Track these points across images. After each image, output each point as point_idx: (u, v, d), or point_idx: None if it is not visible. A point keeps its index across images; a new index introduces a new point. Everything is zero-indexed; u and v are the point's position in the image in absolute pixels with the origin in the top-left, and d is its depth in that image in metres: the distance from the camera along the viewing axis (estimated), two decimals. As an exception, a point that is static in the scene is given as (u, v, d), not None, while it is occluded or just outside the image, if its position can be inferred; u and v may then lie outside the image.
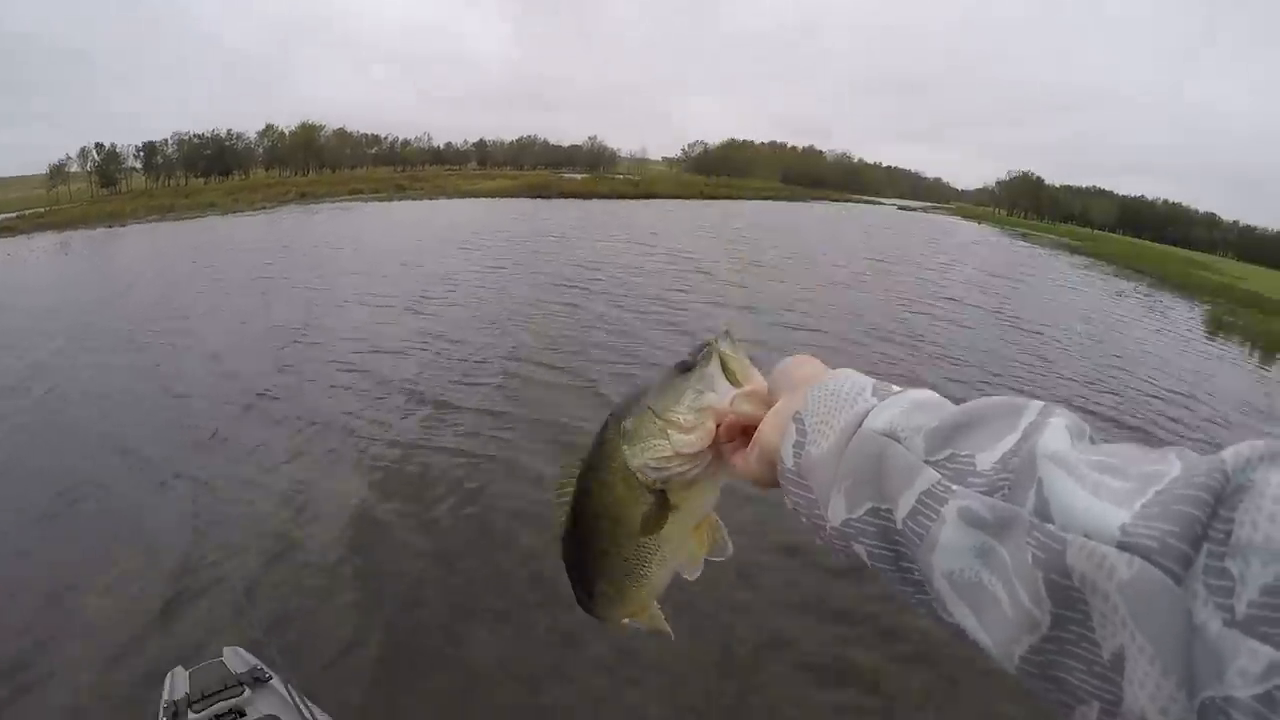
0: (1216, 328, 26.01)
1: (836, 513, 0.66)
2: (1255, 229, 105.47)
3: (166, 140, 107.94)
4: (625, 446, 0.84)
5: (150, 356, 13.10)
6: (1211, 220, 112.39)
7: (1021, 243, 57.38)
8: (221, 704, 3.21)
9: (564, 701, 4.72)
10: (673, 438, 0.81)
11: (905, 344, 16.90)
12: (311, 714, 3.01)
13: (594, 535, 0.90)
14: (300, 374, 11.70)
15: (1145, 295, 33.46)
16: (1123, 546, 0.44)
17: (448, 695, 4.79)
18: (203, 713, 3.15)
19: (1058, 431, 0.54)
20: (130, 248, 32.36)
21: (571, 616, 4.21)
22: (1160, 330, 24.58)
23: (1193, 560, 0.42)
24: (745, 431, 0.80)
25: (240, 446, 8.89)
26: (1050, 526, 0.48)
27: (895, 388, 0.70)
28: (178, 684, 3.40)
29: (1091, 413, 12.99)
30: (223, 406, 10.26)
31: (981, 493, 0.54)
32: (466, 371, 11.67)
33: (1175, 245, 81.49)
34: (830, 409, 0.68)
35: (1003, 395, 0.62)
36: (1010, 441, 0.55)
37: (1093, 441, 0.55)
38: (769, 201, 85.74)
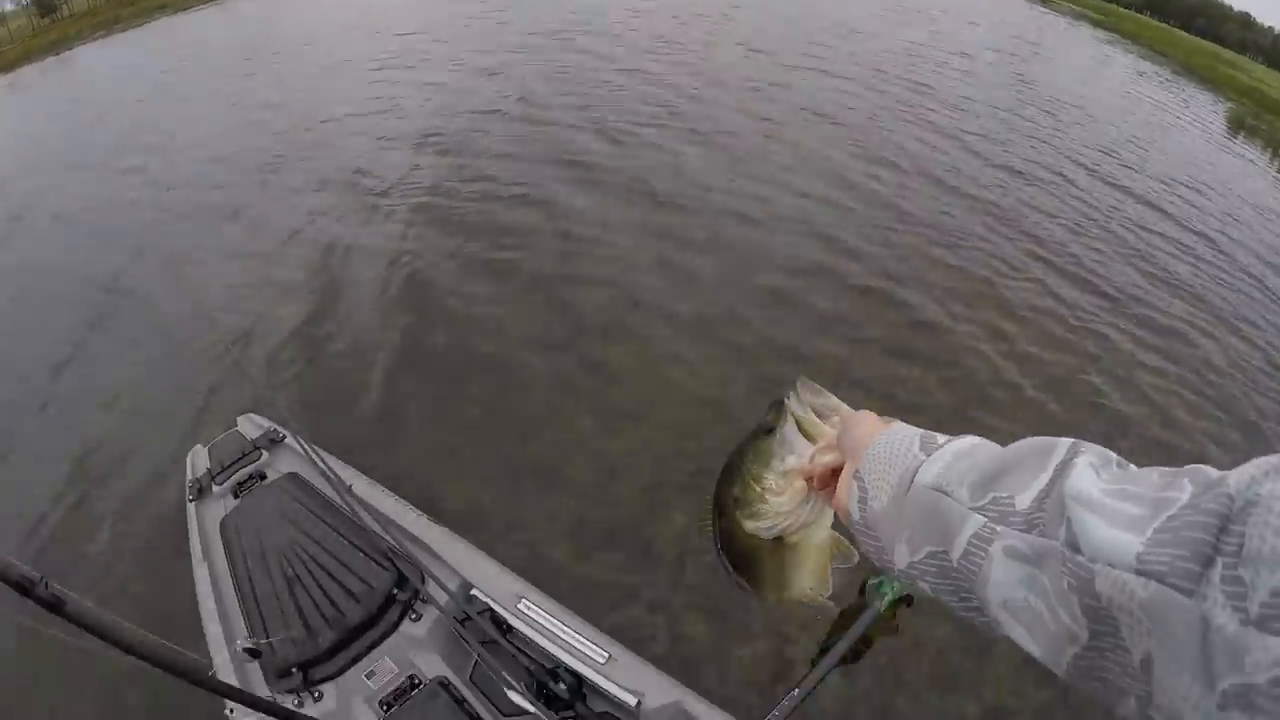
0: (1239, 128, 23.13)
1: (901, 557, 0.77)
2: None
3: None
4: (738, 512, 0.99)
5: (151, 162, 12.30)
6: (1246, 20, 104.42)
7: (1041, 8, 51.49)
8: (242, 470, 3.55)
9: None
10: (770, 501, 0.95)
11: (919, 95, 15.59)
12: (325, 463, 3.19)
13: (737, 561, 1.05)
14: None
15: (1168, 80, 29.81)
16: (1139, 572, 0.52)
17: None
18: (225, 483, 3.51)
19: (1083, 471, 0.62)
20: (79, 73, 26.72)
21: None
22: (1180, 120, 21.55)
23: (1203, 575, 0.49)
24: (835, 473, 0.90)
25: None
26: (1080, 558, 0.57)
27: (940, 438, 0.79)
28: (198, 461, 3.75)
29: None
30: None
31: (1021, 530, 0.64)
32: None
33: (1204, 38, 75.28)
34: (884, 466, 0.79)
35: (1034, 434, 0.70)
36: (1044, 480, 0.64)
37: (1120, 466, 0.63)
38: None
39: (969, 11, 34.13)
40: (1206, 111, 24.68)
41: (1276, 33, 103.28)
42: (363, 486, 3.41)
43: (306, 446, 3.30)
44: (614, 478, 4.94)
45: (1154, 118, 20.19)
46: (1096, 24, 48.26)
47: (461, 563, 3.13)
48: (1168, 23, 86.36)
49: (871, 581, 3.65)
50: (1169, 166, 14.78)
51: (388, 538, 3.09)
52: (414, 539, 3.22)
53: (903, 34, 23.29)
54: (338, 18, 25.08)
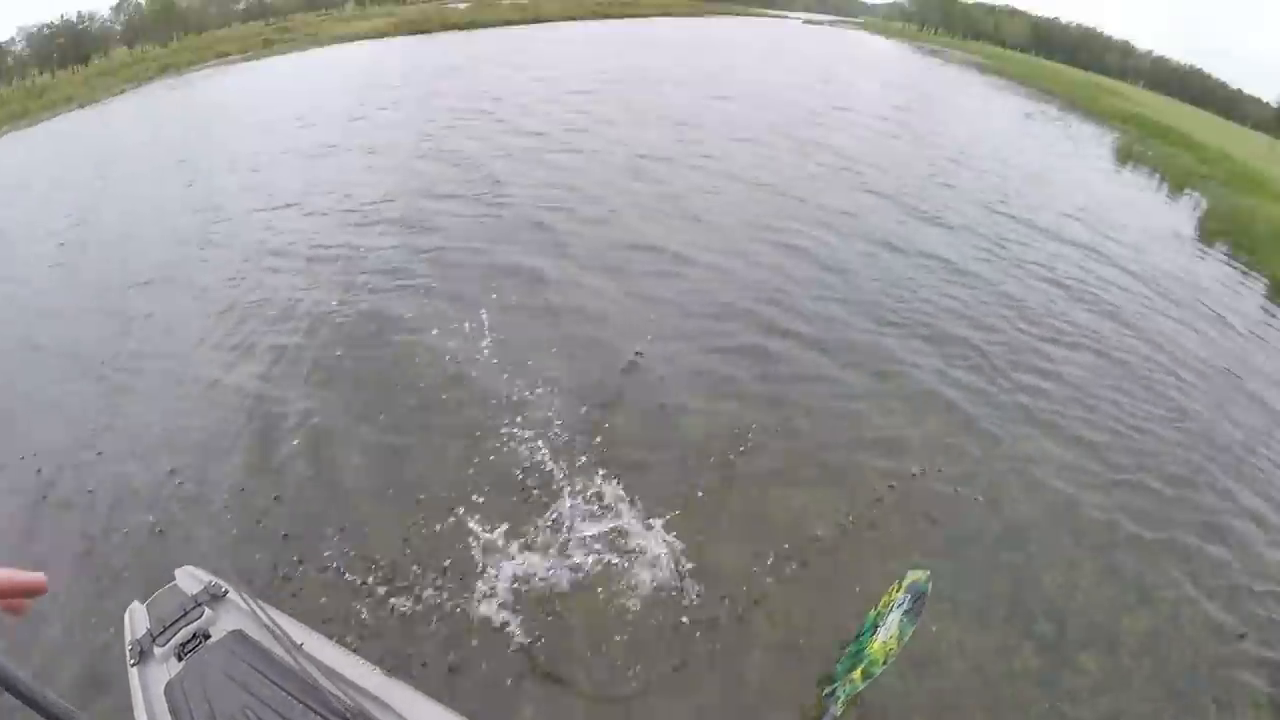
0: (1127, 157, 25.58)
1: None
2: (1169, 61, 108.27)
3: (13, 38, 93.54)
4: None
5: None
6: (1125, 48, 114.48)
7: (934, 60, 55.93)
8: (185, 630, 3.37)
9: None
10: None
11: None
12: (272, 619, 3.15)
13: None
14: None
15: (1055, 118, 32.96)
16: None
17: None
18: (167, 645, 3.31)
19: None
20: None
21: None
22: (1071, 155, 23.92)
23: None
24: None
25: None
26: None
27: None
28: (137, 621, 3.53)
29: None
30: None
31: None
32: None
33: (1087, 70, 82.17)
34: None
35: None
36: None
37: None
38: (669, 18, 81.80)
39: (868, 67, 37.24)
40: (1093, 145, 27.34)
41: (1154, 56, 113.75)
42: (314, 643, 3.43)
43: (251, 602, 3.33)
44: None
45: (1044, 160, 22.20)
46: (985, 69, 52.75)
47: (422, 718, 3.18)
48: (1053, 58, 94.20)
49: (826, 691, 4.29)
50: (1059, 209, 16.38)
51: (343, 697, 3.10)
52: (371, 696, 3.24)
53: (805, 100, 25.34)
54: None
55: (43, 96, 41.95)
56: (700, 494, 5.97)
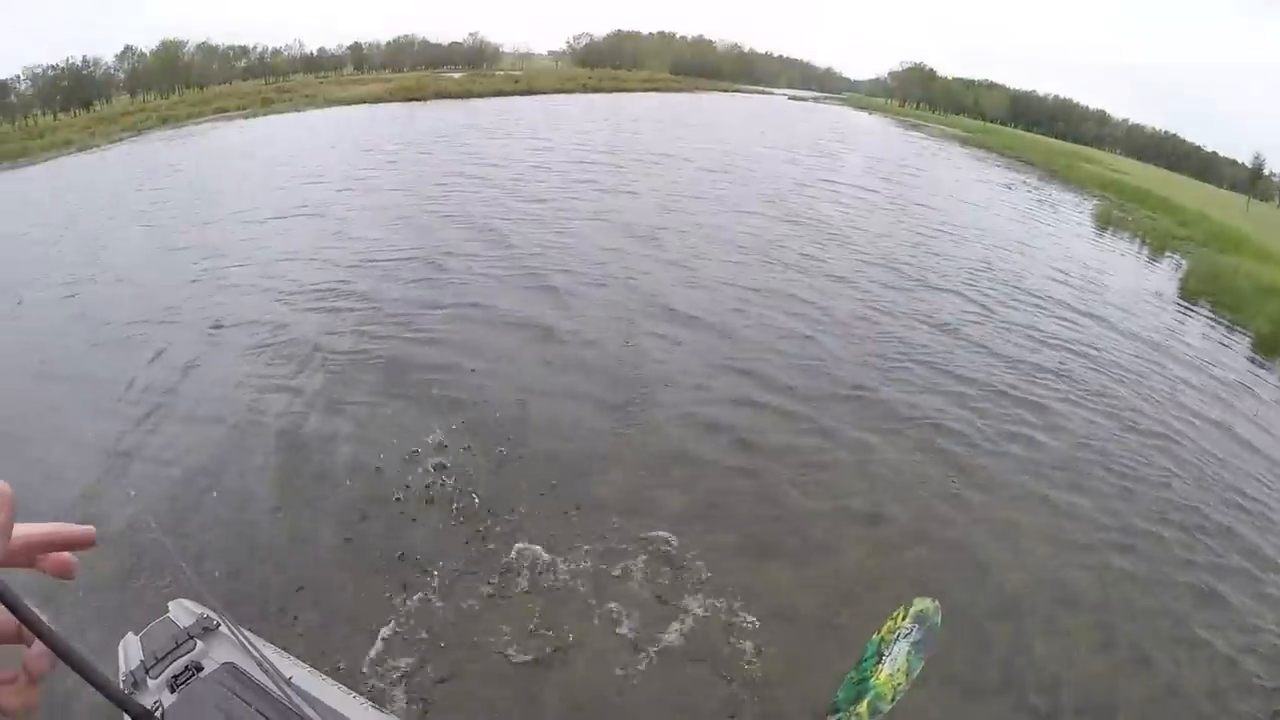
0: (1107, 222, 26.09)
1: None
2: (1144, 127, 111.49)
3: (18, 76, 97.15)
4: None
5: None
6: (1101, 116, 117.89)
7: (916, 134, 57.50)
8: (177, 662, 3.41)
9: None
10: None
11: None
12: (262, 653, 3.19)
13: None
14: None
15: (1035, 187, 33.77)
16: None
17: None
18: (160, 676, 3.35)
19: None
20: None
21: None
22: (1052, 222, 24.41)
23: None
24: None
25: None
26: None
27: None
28: (131, 652, 3.59)
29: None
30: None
31: None
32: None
33: (1065, 139, 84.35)
34: None
35: None
36: None
37: None
38: (657, 93, 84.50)
39: (852, 141, 38.29)
40: (1073, 212, 27.92)
41: (1130, 123, 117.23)
42: (303, 676, 3.47)
43: (242, 635, 3.34)
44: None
45: (1026, 228, 22.63)
46: (965, 141, 54.24)
47: None
48: (1032, 129, 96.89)
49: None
50: (1042, 274, 16.62)
51: None
52: None
53: (792, 172, 25.95)
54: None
55: (43, 138, 42.85)
56: (683, 562, 5.88)
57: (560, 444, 7.58)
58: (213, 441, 7.63)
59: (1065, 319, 13.31)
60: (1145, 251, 22.46)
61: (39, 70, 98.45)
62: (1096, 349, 12.01)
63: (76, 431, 7.97)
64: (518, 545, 5.95)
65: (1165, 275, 19.50)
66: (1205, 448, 9.20)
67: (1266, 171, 76.17)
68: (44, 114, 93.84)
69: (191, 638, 3.57)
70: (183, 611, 3.86)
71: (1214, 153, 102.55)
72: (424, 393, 8.47)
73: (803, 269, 14.16)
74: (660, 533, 6.18)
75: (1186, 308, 16.27)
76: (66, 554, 0.66)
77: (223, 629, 3.64)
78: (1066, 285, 15.68)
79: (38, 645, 0.61)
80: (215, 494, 6.76)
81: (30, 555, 0.62)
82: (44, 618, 0.57)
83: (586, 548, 5.93)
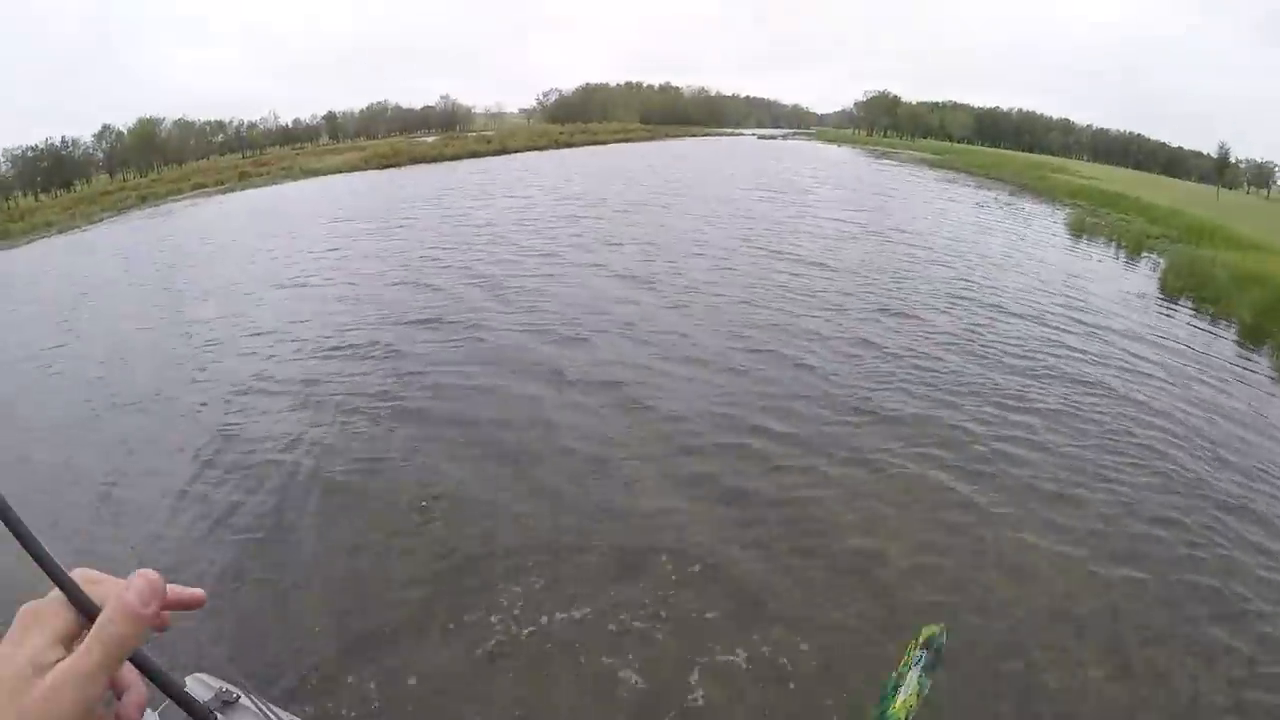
0: (1081, 230, 26.29)
1: None
2: (1108, 131, 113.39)
3: None
4: None
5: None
6: (1066, 125, 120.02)
7: (886, 162, 58.33)
8: None
9: None
10: None
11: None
12: None
13: None
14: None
15: (1007, 202, 34.10)
16: None
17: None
18: None
19: None
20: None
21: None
22: (1026, 235, 24.60)
23: None
24: None
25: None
26: None
27: None
28: None
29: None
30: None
31: None
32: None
33: (1031, 151, 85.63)
34: None
35: None
36: None
37: None
38: (629, 144, 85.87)
39: (824, 175, 38.79)
40: (1047, 223, 28.18)
41: (1094, 128, 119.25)
42: None
43: (265, 708, 3.13)
44: None
45: (1002, 243, 22.82)
46: (935, 164, 55.01)
47: None
48: (999, 145, 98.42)
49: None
50: (1022, 288, 16.68)
51: None
52: None
53: (768, 211, 26.15)
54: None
55: (24, 220, 43.34)
56: (680, 614, 5.74)
57: (546, 498, 7.50)
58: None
59: (1050, 330, 13.27)
60: (1122, 254, 22.60)
61: (18, 152, 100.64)
62: (1084, 358, 11.93)
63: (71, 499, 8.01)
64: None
65: (1144, 275, 19.59)
66: (1205, 446, 9.07)
67: (1233, 159, 77.58)
68: (25, 195, 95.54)
69: (211, 712, 3.41)
70: (200, 686, 3.55)
71: (1179, 148, 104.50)
72: (412, 457, 8.40)
73: (782, 306, 14.17)
74: (651, 592, 6.05)
75: (1169, 305, 16.30)
76: (167, 612, 0.68)
77: (244, 701, 3.37)
78: (1047, 295, 15.71)
79: (130, 694, 0.68)
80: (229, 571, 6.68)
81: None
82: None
83: (571, 614, 5.78)
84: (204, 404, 10.57)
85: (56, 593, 0.63)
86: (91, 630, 0.61)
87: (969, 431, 9.03)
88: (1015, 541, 6.91)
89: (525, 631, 5.58)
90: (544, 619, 5.70)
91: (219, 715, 3.13)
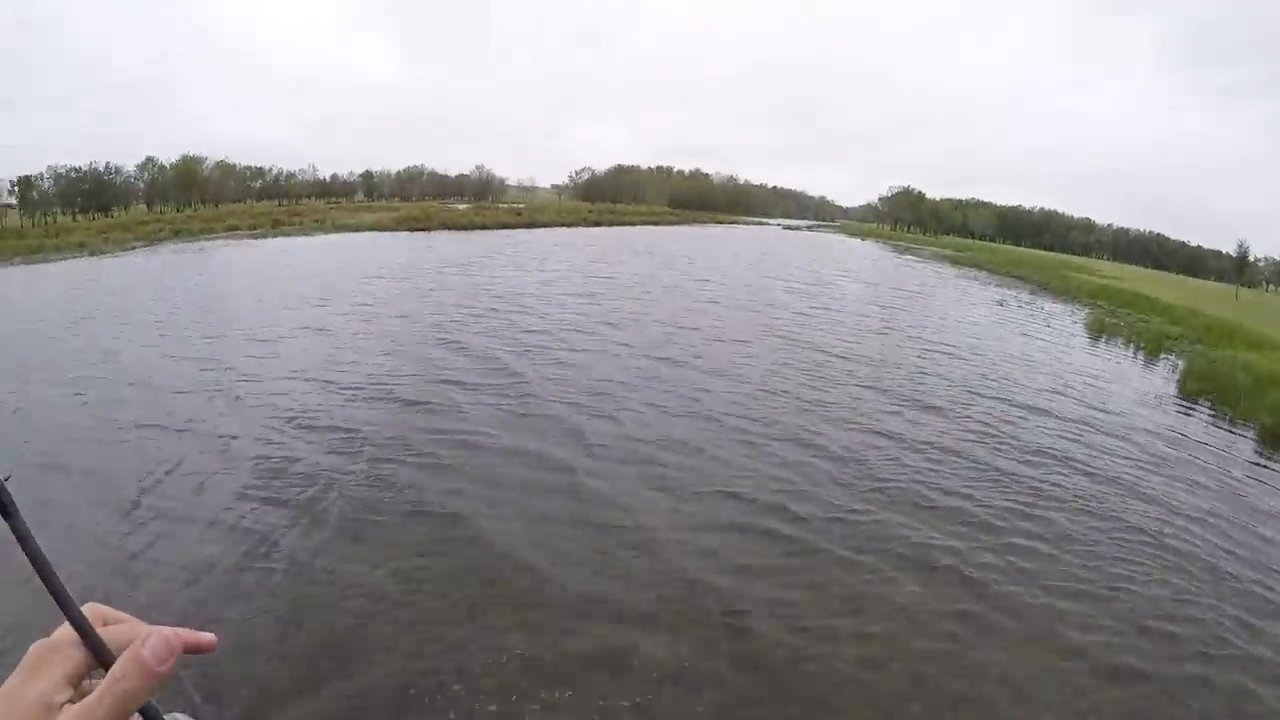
0: (1100, 329, 26.62)
1: None
2: (1129, 230, 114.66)
3: (42, 174, 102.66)
4: None
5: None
6: (1087, 224, 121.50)
7: (908, 257, 59.18)
8: None
9: None
10: None
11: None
12: None
13: None
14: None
15: (1027, 302, 34.56)
16: None
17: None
18: None
19: None
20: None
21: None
22: (1046, 334, 24.96)
23: None
24: None
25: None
26: None
27: None
28: None
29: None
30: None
31: None
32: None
33: (1052, 250, 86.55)
34: None
35: None
36: None
37: None
38: (655, 226, 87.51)
39: (848, 268, 39.49)
40: (1066, 322, 28.66)
41: (1115, 228, 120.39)
42: None
43: None
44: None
45: (1021, 342, 23.24)
46: (957, 261, 55.79)
47: None
48: (1020, 243, 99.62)
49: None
50: (1040, 387, 16.96)
51: None
52: None
53: (791, 301, 26.75)
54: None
55: (58, 237, 44.31)
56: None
57: (535, 585, 7.31)
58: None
59: (1067, 432, 13.40)
60: (1141, 355, 22.87)
61: (62, 170, 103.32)
62: (1101, 462, 12.00)
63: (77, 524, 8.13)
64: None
65: (1163, 376, 19.81)
66: (1221, 555, 9.01)
67: (1252, 258, 77.76)
68: (63, 213, 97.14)
69: None
70: None
71: (1199, 247, 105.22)
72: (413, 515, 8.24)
73: (799, 396, 14.38)
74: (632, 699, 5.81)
75: (1188, 407, 16.44)
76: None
77: None
78: (1065, 397, 15.97)
79: None
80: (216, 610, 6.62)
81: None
82: None
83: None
84: (235, 435, 10.84)
85: (68, 629, 0.64)
86: (104, 682, 0.62)
87: (973, 538, 8.88)
88: (1021, 660, 6.59)
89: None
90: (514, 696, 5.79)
91: None
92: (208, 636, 0.72)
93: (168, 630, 0.66)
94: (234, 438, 10.71)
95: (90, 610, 0.66)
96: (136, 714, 0.63)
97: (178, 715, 2.49)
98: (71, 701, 0.61)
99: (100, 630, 0.65)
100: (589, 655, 6.19)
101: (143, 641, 0.64)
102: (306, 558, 7.53)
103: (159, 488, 9.10)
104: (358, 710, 5.48)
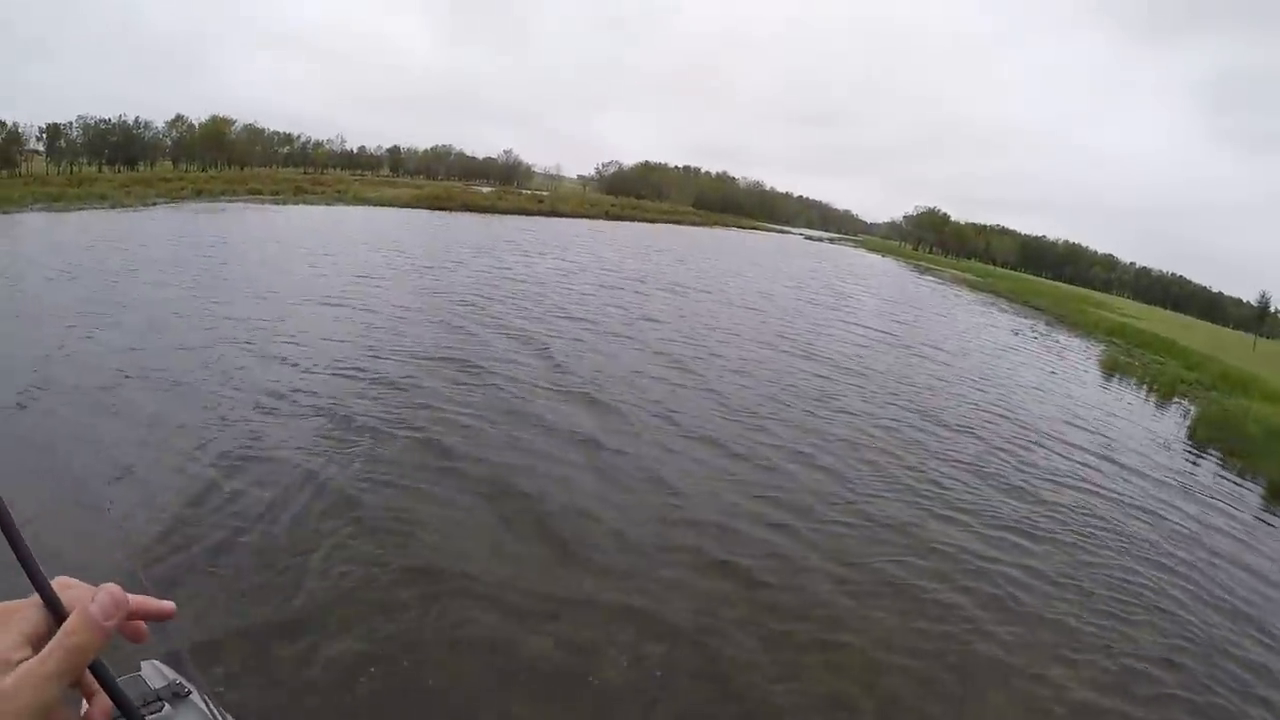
0: (1114, 368, 26.37)
1: None
2: (1151, 270, 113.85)
3: (71, 123, 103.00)
4: None
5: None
6: (1109, 260, 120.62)
7: (928, 278, 58.88)
8: None
9: None
10: None
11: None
12: None
13: None
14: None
15: (1043, 334, 34.33)
16: None
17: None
18: None
19: None
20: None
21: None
22: (1059, 368, 24.75)
23: None
24: None
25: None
26: None
27: None
28: None
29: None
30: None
31: None
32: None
33: (1073, 283, 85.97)
34: None
35: None
36: None
37: None
38: (678, 225, 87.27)
39: (868, 284, 39.31)
40: (1081, 358, 28.34)
41: (1137, 266, 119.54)
42: None
43: (213, 708, 3.32)
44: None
45: (1034, 375, 22.99)
46: (976, 286, 55.44)
47: None
48: (1041, 274, 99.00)
49: None
50: (1049, 421, 16.79)
51: None
52: None
53: (810, 312, 26.60)
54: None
55: (81, 187, 44.73)
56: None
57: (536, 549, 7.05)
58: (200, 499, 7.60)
59: (1073, 465, 13.25)
60: (1153, 397, 22.61)
61: (91, 121, 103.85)
62: (1104, 504, 11.73)
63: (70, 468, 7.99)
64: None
65: (1174, 421, 19.54)
66: (1224, 602, 8.87)
67: (1273, 309, 76.94)
68: (89, 164, 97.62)
69: (161, 700, 3.65)
70: (155, 673, 3.84)
71: (1219, 293, 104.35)
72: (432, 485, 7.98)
73: (812, 409, 14.19)
74: None
75: (1196, 454, 16.19)
76: (141, 622, 0.72)
77: (194, 698, 3.42)
78: (1074, 429, 15.78)
79: (98, 699, 0.70)
80: (209, 557, 6.58)
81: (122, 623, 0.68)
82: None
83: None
84: (231, 397, 10.73)
85: (35, 595, 0.66)
86: (55, 637, 0.64)
87: (976, 570, 8.67)
88: (1022, 700, 6.36)
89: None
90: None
91: (168, 705, 2.73)
92: (167, 604, 0.76)
93: (116, 588, 0.68)
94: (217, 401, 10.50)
95: (57, 582, 0.68)
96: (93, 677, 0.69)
97: (156, 663, 2.19)
98: None
99: (62, 595, 0.67)
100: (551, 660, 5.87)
101: (92, 597, 0.67)
102: (288, 523, 7.30)
103: (149, 438, 8.94)
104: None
